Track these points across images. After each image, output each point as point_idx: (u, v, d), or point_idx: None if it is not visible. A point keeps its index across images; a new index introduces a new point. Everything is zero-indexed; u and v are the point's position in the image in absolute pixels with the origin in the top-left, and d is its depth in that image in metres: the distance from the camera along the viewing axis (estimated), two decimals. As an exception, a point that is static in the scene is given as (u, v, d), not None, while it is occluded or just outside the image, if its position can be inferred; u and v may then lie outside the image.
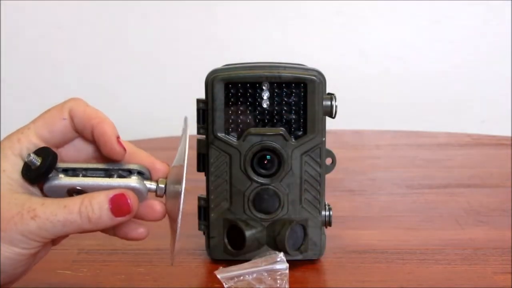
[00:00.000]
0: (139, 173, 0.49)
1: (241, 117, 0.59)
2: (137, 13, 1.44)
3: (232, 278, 0.54)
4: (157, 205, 0.49)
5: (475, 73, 1.47)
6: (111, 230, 0.50)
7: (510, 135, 1.11)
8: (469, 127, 1.40)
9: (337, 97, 0.59)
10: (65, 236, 0.48)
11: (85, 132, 0.49)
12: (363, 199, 0.80)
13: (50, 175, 0.47)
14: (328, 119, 0.59)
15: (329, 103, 0.58)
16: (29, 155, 0.46)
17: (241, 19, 1.45)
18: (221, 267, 0.56)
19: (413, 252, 0.64)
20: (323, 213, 0.61)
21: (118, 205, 0.46)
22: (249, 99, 0.59)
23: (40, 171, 0.46)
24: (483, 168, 0.92)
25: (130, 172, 0.49)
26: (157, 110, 1.46)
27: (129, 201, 0.46)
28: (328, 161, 0.61)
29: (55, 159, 0.47)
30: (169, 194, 0.48)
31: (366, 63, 1.47)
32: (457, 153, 1.00)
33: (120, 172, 0.49)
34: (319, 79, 0.58)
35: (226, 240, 0.60)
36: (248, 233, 0.59)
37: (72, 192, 0.47)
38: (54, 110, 0.49)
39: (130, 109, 1.45)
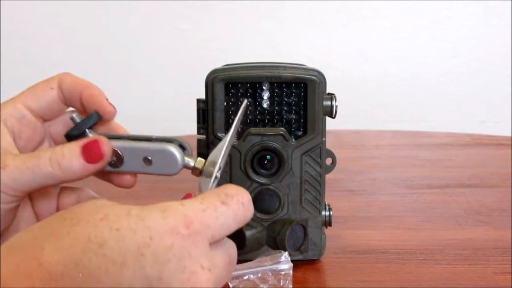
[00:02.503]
0: (181, 147, 0.48)
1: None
2: (137, 13, 1.44)
3: (237, 277, 0.54)
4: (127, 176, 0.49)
5: (475, 73, 1.47)
6: (99, 175, 0.49)
7: (510, 135, 1.11)
8: (469, 127, 1.40)
9: (337, 97, 0.59)
10: (41, 188, 0.46)
11: (73, 99, 0.48)
12: (363, 199, 0.80)
13: (90, 135, 0.47)
14: (328, 119, 0.59)
15: (329, 103, 0.58)
16: (72, 111, 0.47)
17: (241, 19, 1.45)
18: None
19: (413, 252, 0.64)
20: (323, 213, 0.61)
21: (90, 150, 0.44)
22: (249, 99, 0.59)
23: (77, 126, 0.46)
24: (483, 168, 0.92)
25: (171, 143, 0.48)
26: (157, 110, 1.47)
27: (101, 147, 0.45)
28: (328, 161, 0.61)
29: (97, 117, 0.47)
30: (205, 175, 0.47)
31: (366, 63, 1.47)
32: (457, 153, 1.00)
33: (160, 140, 0.48)
34: (319, 79, 0.58)
35: (226, 240, 0.60)
36: (248, 233, 0.58)
37: (112, 155, 0.47)
38: (42, 82, 0.49)
39: (130, 109, 1.45)
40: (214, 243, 0.37)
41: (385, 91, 1.48)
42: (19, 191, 0.44)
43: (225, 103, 0.58)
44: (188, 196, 0.43)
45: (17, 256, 0.35)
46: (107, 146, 0.45)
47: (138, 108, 1.46)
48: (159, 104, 1.47)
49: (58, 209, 0.51)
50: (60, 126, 0.50)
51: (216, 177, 0.45)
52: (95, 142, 0.45)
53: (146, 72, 1.47)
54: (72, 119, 0.47)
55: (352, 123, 1.17)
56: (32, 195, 0.50)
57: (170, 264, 0.35)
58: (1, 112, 0.47)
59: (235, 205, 0.38)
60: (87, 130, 0.47)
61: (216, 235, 0.37)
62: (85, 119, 0.47)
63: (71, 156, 0.44)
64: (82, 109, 0.48)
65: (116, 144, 0.47)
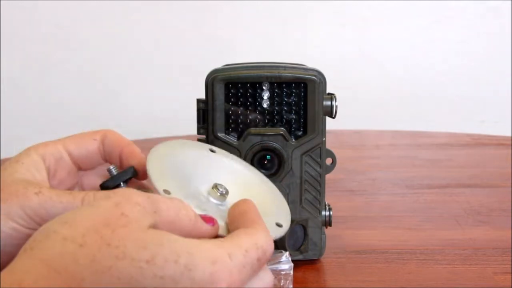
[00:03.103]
0: None
1: (241, 117, 0.59)
2: (137, 12, 1.45)
3: None
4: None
5: (474, 73, 1.47)
6: None
7: (510, 135, 1.11)
8: (469, 127, 1.40)
9: (337, 97, 0.59)
10: None
11: (113, 155, 0.50)
12: (363, 199, 0.80)
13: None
14: (328, 119, 0.59)
15: (329, 103, 0.58)
16: (110, 165, 0.48)
17: (241, 19, 1.45)
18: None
19: (413, 252, 0.64)
20: (323, 213, 0.61)
21: None
22: (249, 99, 0.59)
23: (113, 178, 0.48)
24: (483, 168, 0.92)
25: None
26: (157, 110, 1.47)
27: None
28: (328, 161, 0.61)
29: (133, 173, 0.48)
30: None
31: (366, 63, 1.47)
32: (457, 153, 1.00)
33: None
34: (319, 79, 0.58)
35: (226, 240, 0.60)
36: (248, 233, 0.58)
37: None
38: (86, 132, 0.51)
39: (130, 109, 1.45)
40: None
41: (385, 91, 1.48)
42: (45, 221, 0.44)
43: (225, 103, 0.58)
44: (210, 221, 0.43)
45: (53, 281, 0.34)
46: None
47: (138, 108, 1.46)
48: (159, 104, 1.47)
49: None
50: (93, 178, 0.51)
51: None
52: None
53: (146, 72, 1.47)
54: (109, 171, 0.49)
55: (352, 123, 1.17)
56: None
57: None
58: (41, 150, 0.48)
59: (263, 262, 0.40)
60: (121, 183, 0.48)
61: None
62: (121, 173, 0.48)
63: None
64: (120, 165, 0.50)
65: None
